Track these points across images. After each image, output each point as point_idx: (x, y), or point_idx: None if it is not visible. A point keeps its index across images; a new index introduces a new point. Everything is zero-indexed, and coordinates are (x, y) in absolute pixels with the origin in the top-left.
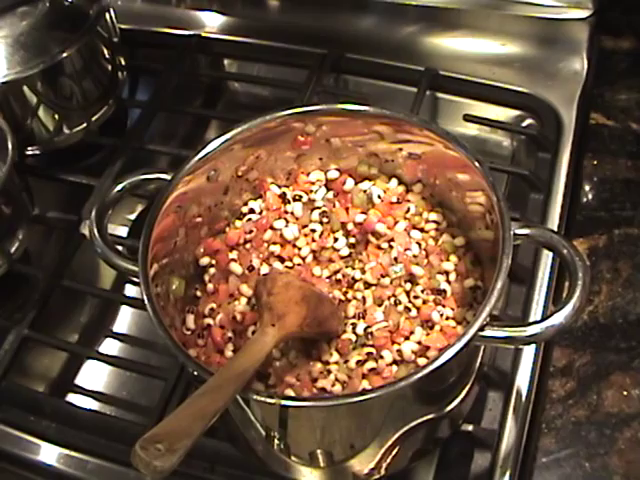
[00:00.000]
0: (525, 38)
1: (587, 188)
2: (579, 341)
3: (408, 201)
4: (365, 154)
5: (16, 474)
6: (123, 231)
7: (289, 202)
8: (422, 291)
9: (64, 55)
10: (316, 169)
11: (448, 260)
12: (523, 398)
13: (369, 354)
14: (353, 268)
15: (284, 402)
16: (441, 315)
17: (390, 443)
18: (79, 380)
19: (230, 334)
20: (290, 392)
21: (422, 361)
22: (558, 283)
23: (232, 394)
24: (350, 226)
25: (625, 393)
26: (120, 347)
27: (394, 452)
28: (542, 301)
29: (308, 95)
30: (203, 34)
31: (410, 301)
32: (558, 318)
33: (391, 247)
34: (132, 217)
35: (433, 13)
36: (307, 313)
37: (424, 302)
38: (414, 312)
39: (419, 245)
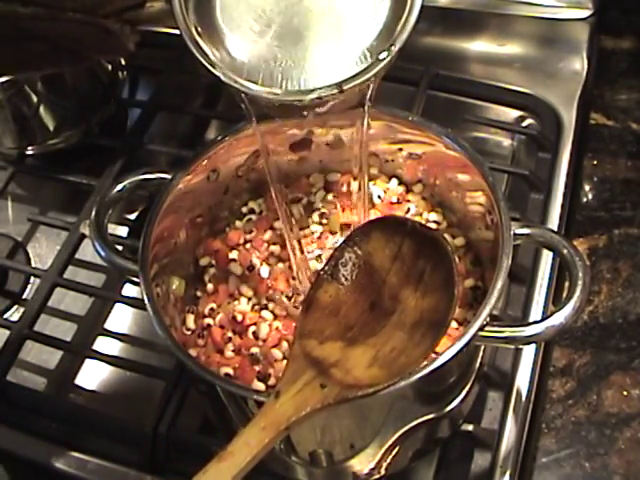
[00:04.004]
0: (525, 38)
1: (587, 188)
2: (579, 341)
3: (408, 201)
4: None
5: (16, 474)
6: (123, 231)
7: (289, 203)
8: None
9: None
10: (317, 170)
11: None
12: (523, 398)
13: None
14: None
15: None
16: None
17: (390, 443)
18: (79, 380)
19: (230, 334)
20: None
21: None
22: (558, 283)
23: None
24: (351, 227)
25: (625, 393)
26: (120, 347)
27: (394, 452)
28: (542, 301)
29: None
30: None
31: None
32: (558, 318)
33: None
34: (132, 217)
35: (433, 13)
36: None
37: None
38: None
39: None
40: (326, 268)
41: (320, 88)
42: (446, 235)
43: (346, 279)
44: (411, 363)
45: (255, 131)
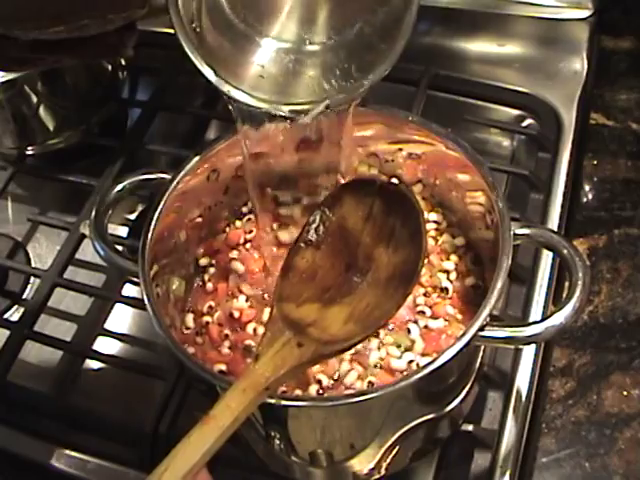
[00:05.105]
0: (525, 38)
1: (587, 188)
2: (579, 341)
3: None
4: (365, 154)
5: (16, 474)
6: (123, 231)
7: (288, 205)
8: (424, 294)
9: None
10: (324, 171)
11: (448, 260)
12: (523, 398)
13: None
14: None
15: (284, 402)
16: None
17: (390, 443)
18: (79, 380)
19: (227, 331)
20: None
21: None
22: (558, 283)
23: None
24: None
25: (625, 393)
26: (120, 347)
27: (394, 452)
28: (542, 301)
29: None
30: None
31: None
32: (558, 318)
33: None
34: (132, 217)
35: (433, 13)
36: None
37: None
38: (428, 312)
39: None
40: (302, 235)
41: (308, 103)
42: (446, 235)
43: (321, 244)
44: (384, 315)
45: (240, 132)
